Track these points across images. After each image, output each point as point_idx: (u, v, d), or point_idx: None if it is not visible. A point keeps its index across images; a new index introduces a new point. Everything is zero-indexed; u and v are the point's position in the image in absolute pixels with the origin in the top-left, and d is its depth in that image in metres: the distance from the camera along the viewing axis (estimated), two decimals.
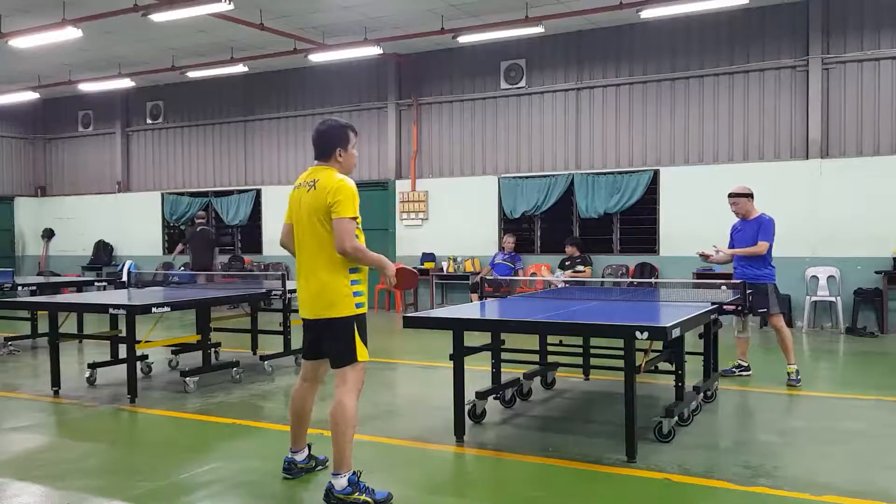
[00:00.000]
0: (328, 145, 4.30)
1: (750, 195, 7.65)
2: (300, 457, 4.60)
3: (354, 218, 4.12)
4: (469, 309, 7.07)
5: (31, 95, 16.43)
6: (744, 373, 7.73)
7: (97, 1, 11.01)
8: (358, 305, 4.20)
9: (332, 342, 4.24)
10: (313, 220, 4.19)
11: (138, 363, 7.48)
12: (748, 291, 6.51)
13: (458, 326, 5.46)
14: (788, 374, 7.36)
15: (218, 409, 6.57)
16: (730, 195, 7.70)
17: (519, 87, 13.72)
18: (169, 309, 6.88)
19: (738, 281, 6.79)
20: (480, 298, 7.77)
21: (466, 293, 13.25)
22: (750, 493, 4.36)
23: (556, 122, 13.46)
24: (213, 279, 11.66)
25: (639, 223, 12.92)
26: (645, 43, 12.68)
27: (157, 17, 10.68)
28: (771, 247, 7.46)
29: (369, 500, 4.10)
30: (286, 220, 4.48)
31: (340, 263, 4.15)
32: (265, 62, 14.66)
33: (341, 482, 4.09)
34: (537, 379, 6.97)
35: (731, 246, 7.73)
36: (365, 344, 4.25)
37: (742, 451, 5.17)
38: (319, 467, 4.67)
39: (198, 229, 14.15)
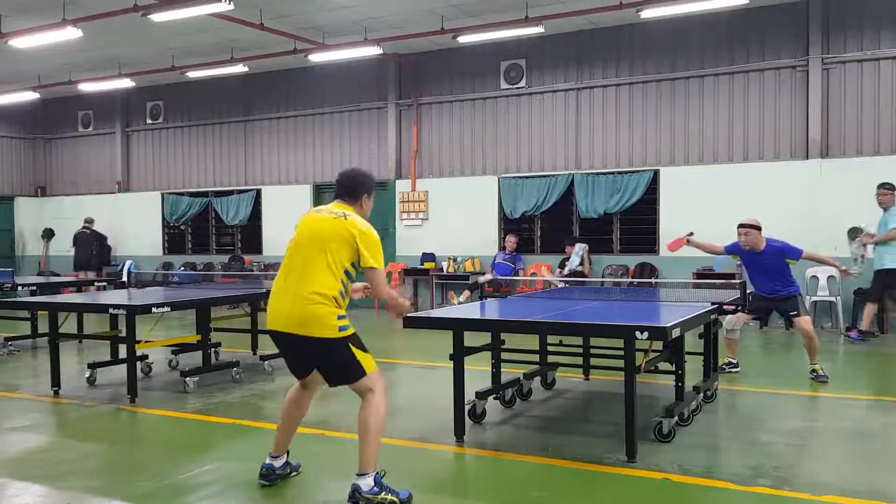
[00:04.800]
0: (358, 188, 4.51)
1: (760, 228, 7.73)
2: (278, 463, 4.55)
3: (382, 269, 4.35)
4: (469, 309, 7.06)
5: (31, 95, 16.44)
6: (732, 369, 7.84)
7: (97, 1, 11.01)
8: (342, 328, 4.21)
9: (331, 365, 4.28)
10: (326, 245, 4.23)
11: (138, 363, 7.48)
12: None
13: (458, 326, 5.46)
14: (815, 371, 7.54)
15: (218, 409, 6.57)
16: (741, 225, 7.72)
17: (519, 87, 13.72)
18: (169, 309, 6.88)
19: (739, 282, 6.82)
20: (481, 298, 7.80)
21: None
22: (750, 493, 4.36)
23: (556, 122, 13.46)
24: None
25: (639, 223, 12.92)
26: (645, 43, 12.68)
27: (157, 17, 10.68)
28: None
29: (395, 500, 4.12)
30: None
31: (334, 291, 4.19)
32: (265, 62, 14.66)
33: (368, 482, 4.11)
34: (537, 379, 6.97)
35: (728, 252, 8.03)
36: (366, 352, 4.30)
37: (742, 451, 5.17)
38: (294, 473, 4.64)
39: (88, 232, 16.47)
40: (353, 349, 4.23)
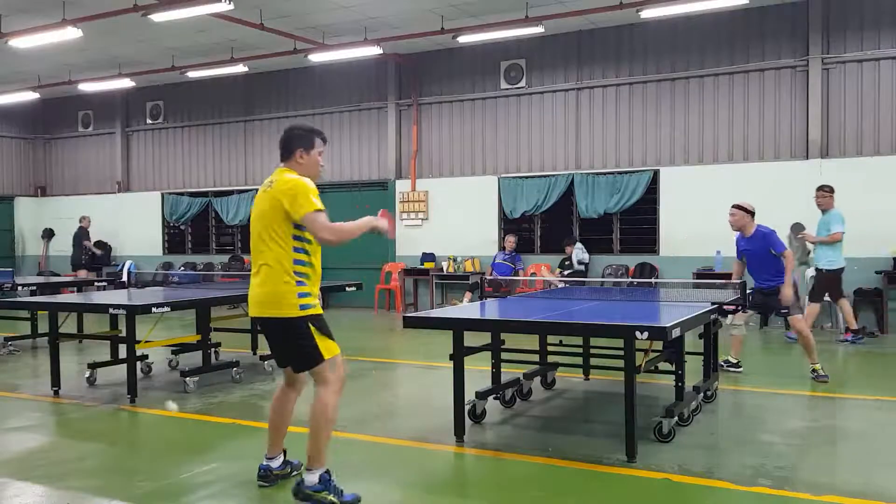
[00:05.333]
0: (290, 145, 4.30)
1: (752, 213, 7.75)
2: (276, 463, 4.51)
3: (320, 210, 4.04)
4: (469, 309, 7.06)
5: (31, 95, 16.45)
6: (735, 370, 7.85)
7: (97, 1, 11.01)
8: (303, 307, 4.08)
9: (289, 345, 4.19)
10: (264, 220, 4.14)
11: (138, 363, 7.48)
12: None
13: (458, 326, 5.46)
14: (815, 370, 7.51)
15: (218, 409, 6.57)
16: (732, 206, 7.78)
17: (519, 87, 13.72)
18: (169, 309, 6.88)
19: (739, 281, 6.82)
20: (481, 298, 7.81)
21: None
22: (750, 493, 4.36)
23: (556, 122, 13.46)
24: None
25: (639, 223, 12.93)
26: (645, 43, 12.68)
27: (157, 17, 10.68)
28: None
29: (335, 501, 4.06)
30: None
31: (287, 264, 4.09)
32: (265, 62, 14.66)
33: (312, 478, 4.07)
34: (537, 379, 6.97)
35: (740, 257, 7.96)
36: (330, 338, 4.17)
37: (742, 451, 5.17)
38: (294, 472, 4.58)
39: (79, 231, 16.88)
40: (314, 331, 4.10)
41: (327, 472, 4.12)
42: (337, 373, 4.18)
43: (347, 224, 4.17)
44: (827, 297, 10.98)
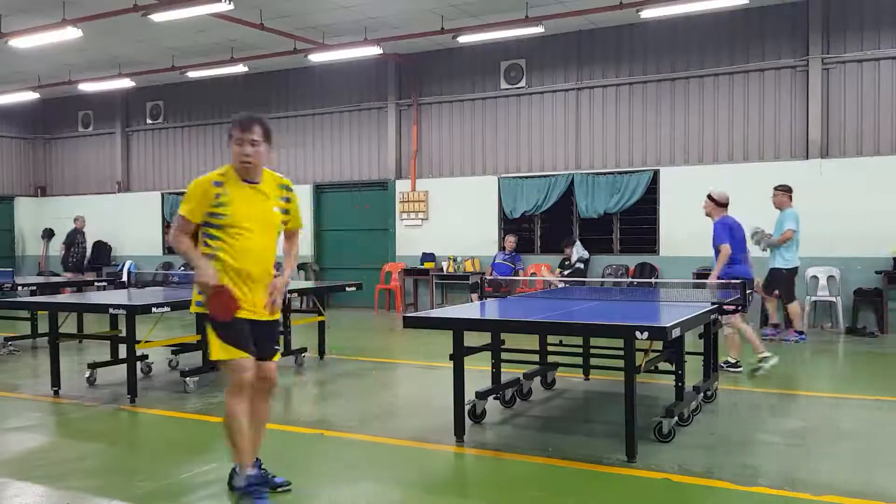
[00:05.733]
0: None
1: (718, 204, 7.93)
2: (237, 481, 4.25)
3: (183, 215, 4.05)
4: (469, 309, 7.06)
5: (31, 95, 16.45)
6: (734, 370, 7.86)
7: (97, 1, 11.01)
8: (199, 304, 4.12)
9: None
10: None
11: (138, 363, 7.48)
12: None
13: (458, 326, 5.46)
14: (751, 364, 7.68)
15: (218, 409, 6.56)
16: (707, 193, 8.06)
17: (519, 87, 13.72)
18: (169, 309, 6.88)
19: (739, 280, 6.82)
20: (480, 298, 7.82)
21: (466, 293, 13.26)
22: (750, 493, 4.36)
23: (556, 122, 13.46)
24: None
25: (639, 223, 12.93)
26: (645, 43, 12.69)
27: (157, 17, 10.69)
28: (733, 245, 7.71)
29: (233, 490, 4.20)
30: None
31: None
32: (265, 62, 14.66)
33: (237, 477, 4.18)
34: (537, 379, 6.97)
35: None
36: (228, 343, 4.01)
37: (742, 451, 5.17)
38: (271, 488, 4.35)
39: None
40: (208, 329, 4.09)
41: (234, 468, 4.19)
42: (234, 377, 4.03)
43: (191, 251, 4.08)
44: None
